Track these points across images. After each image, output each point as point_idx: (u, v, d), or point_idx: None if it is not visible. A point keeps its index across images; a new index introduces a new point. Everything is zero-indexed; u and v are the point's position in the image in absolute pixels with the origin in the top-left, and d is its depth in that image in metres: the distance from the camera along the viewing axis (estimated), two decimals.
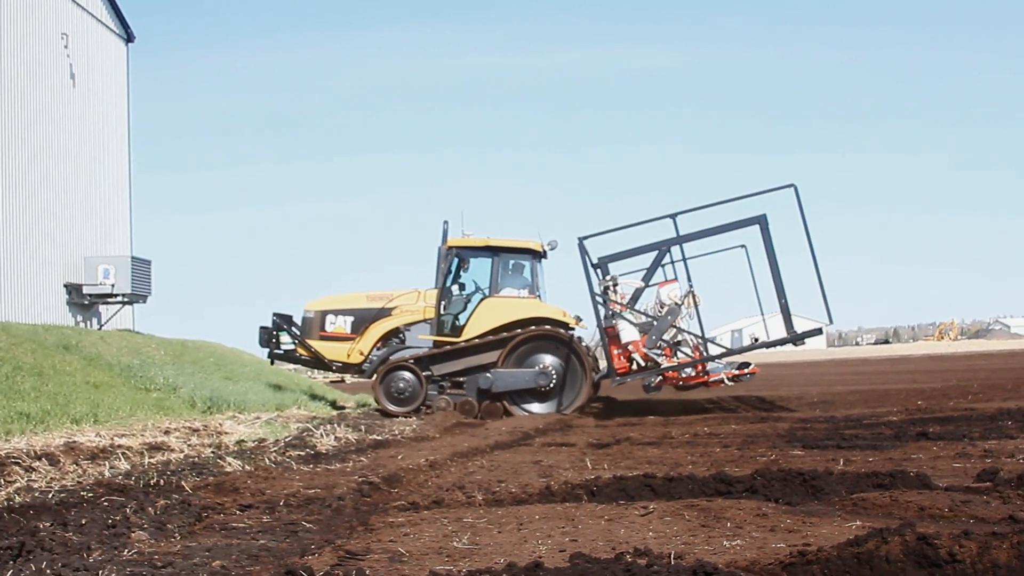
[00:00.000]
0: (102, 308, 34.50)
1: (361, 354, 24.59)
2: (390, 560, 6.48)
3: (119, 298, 33.64)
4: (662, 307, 22.79)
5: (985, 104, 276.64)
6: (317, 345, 24.73)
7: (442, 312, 24.46)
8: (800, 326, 22.72)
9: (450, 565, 6.22)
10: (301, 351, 25.09)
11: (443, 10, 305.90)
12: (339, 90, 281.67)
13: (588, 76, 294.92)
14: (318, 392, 30.25)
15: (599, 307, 22.79)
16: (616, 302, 23.02)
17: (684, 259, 24.00)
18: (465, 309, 24.75)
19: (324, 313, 24.94)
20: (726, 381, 22.74)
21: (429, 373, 24.07)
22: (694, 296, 23.37)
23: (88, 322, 33.47)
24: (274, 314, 25.40)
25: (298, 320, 25.34)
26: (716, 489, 8.84)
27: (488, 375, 23.66)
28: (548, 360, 23.88)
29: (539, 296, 24.65)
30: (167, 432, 16.39)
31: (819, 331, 22.57)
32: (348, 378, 25.46)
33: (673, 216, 22.91)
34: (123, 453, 12.99)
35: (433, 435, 17.30)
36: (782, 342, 22.81)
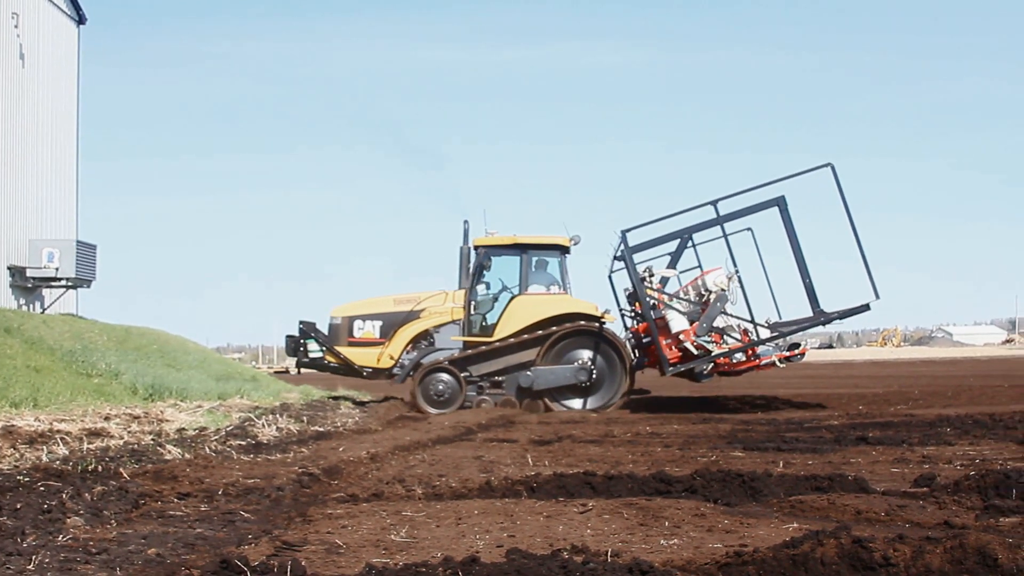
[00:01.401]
0: (45, 292, 34.27)
1: (391, 358, 24.36)
2: (327, 551, 6.46)
3: (63, 282, 33.43)
4: (708, 294, 22.84)
5: (929, 109, 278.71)
6: (346, 351, 24.49)
7: (472, 312, 24.37)
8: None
9: (387, 558, 6.20)
10: (330, 358, 24.81)
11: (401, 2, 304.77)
12: (295, 79, 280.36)
13: (546, 72, 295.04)
14: (262, 382, 30.12)
15: (646, 299, 22.82)
16: (653, 291, 23.09)
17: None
18: (494, 308, 24.66)
19: (351, 319, 24.68)
20: (777, 363, 22.87)
21: (467, 374, 23.96)
22: (740, 280, 23.54)
23: (31, 305, 33.23)
24: (300, 322, 25.15)
25: (322, 327, 25.12)
26: (655, 488, 8.86)
27: (528, 373, 23.56)
28: (586, 355, 23.79)
29: (568, 291, 24.64)
30: (107, 418, 16.28)
31: (867, 307, 22.48)
32: (379, 380, 25.27)
33: (715, 203, 22.89)
34: (62, 438, 12.88)
35: (375, 428, 17.28)
36: (829, 320, 22.87)
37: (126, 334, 30.58)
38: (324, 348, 24.74)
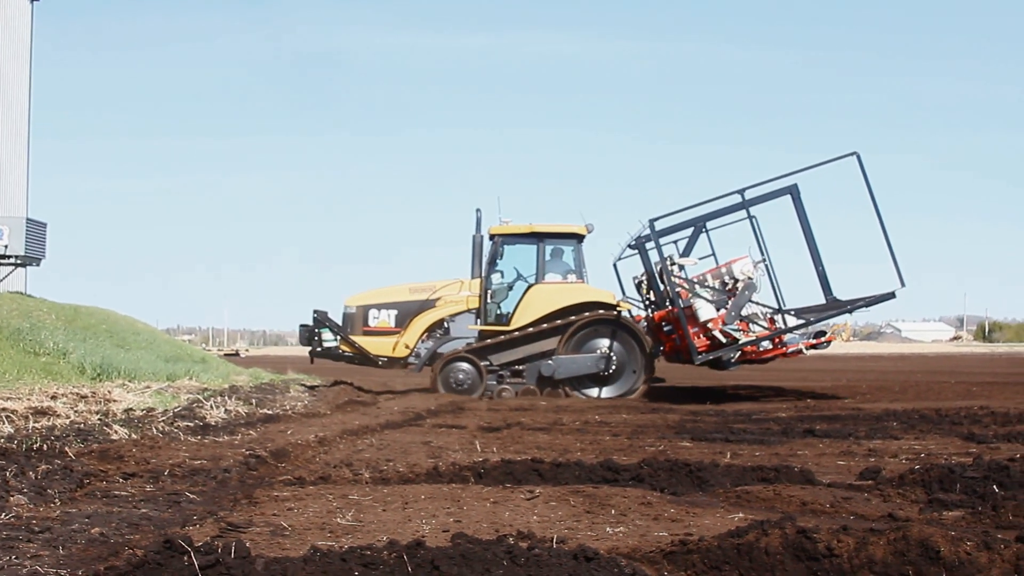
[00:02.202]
0: None
1: (407, 347, 24.43)
2: (272, 534, 6.44)
3: (12, 260, 33.17)
4: (735, 282, 22.97)
5: (880, 106, 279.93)
6: (361, 341, 24.49)
7: (488, 301, 24.42)
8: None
9: (332, 541, 6.19)
10: (344, 348, 24.82)
11: None
12: (251, 62, 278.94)
13: (498, 61, 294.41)
14: (211, 364, 30.00)
15: (674, 287, 22.95)
16: (681, 279, 23.18)
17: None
18: (509, 297, 24.73)
19: (367, 308, 24.70)
20: (804, 351, 23.12)
21: (488, 363, 24.01)
22: (767, 268, 23.68)
23: None
24: (315, 311, 25.10)
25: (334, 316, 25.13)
26: (603, 476, 8.88)
27: (550, 362, 23.72)
28: (606, 344, 23.91)
29: (585, 280, 24.67)
30: (54, 397, 16.18)
31: (893, 295, 22.67)
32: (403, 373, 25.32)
33: (741, 191, 23.02)
34: (7, 417, 12.79)
35: (324, 412, 17.23)
36: (855, 308, 23.00)
37: (75, 313, 30.39)
38: (339, 337, 24.73)
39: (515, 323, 24.10)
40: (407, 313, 24.49)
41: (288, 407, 17.61)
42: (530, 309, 24.06)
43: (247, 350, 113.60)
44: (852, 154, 22.35)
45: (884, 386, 27.47)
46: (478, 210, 24.54)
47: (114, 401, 16.50)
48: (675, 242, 25.14)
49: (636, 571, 5.13)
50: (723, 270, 23.73)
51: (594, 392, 23.73)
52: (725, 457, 10.70)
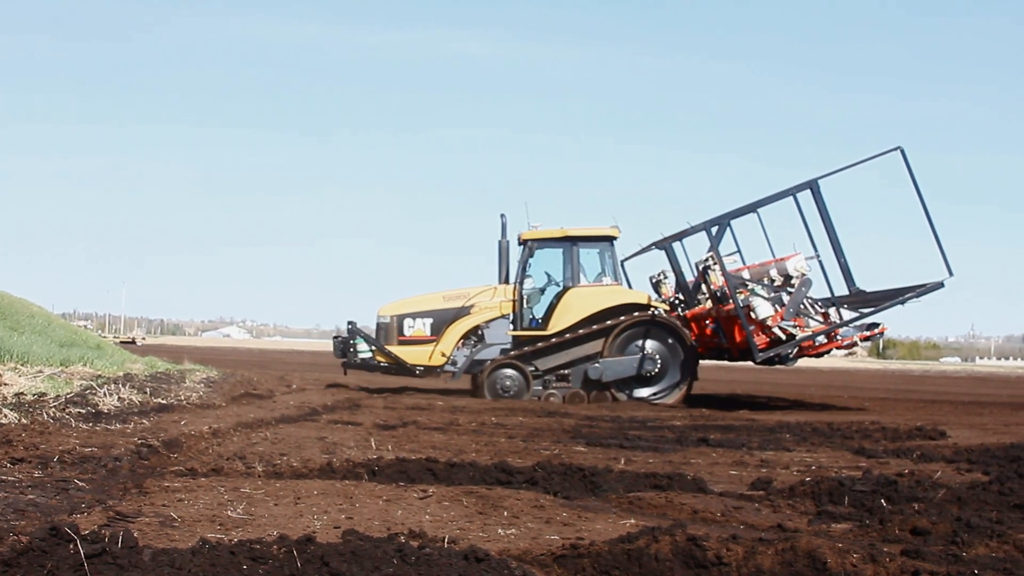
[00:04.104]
0: None
1: (443, 355, 24.53)
2: (161, 524, 6.37)
3: None
4: (790, 280, 23.22)
5: (816, 120, 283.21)
6: (397, 350, 24.54)
7: (524, 306, 24.47)
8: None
9: (222, 533, 6.13)
10: (380, 358, 24.80)
11: None
12: (155, 44, 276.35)
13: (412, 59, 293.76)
14: (107, 351, 29.61)
15: (734, 286, 23.18)
16: (728, 277, 23.29)
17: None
18: (542, 301, 24.87)
19: (401, 317, 24.76)
20: (858, 343, 23.56)
21: (533, 368, 24.02)
22: (820, 263, 24.11)
23: None
24: (349, 322, 25.31)
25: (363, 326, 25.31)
26: (497, 478, 8.89)
27: (597, 365, 23.82)
28: (649, 345, 24.01)
29: (620, 282, 24.87)
30: None
31: (942, 284, 22.97)
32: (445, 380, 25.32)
33: (813, 184, 23.35)
34: None
35: (220, 404, 17.09)
36: (906, 299, 23.13)
37: None
38: (373, 348, 24.66)
39: (552, 327, 24.30)
40: (442, 321, 24.62)
41: (183, 397, 17.42)
42: (568, 313, 24.25)
43: (144, 338, 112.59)
44: (896, 149, 22.88)
45: (779, 397, 27.80)
46: (503, 215, 24.76)
47: (5, 385, 16.21)
48: (675, 242, 25.58)
49: (526, 573, 5.14)
50: (771, 267, 24.10)
51: (644, 393, 24.03)
52: (619, 463, 10.74)
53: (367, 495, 7.82)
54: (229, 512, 6.89)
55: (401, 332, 24.61)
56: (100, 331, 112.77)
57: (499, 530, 6.61)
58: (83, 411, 13.18)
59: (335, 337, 25.51)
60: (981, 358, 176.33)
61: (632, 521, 7.07)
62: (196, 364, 30.56)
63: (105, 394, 15.53)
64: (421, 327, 24.59)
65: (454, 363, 24.58)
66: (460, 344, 24.63)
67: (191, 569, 4.88)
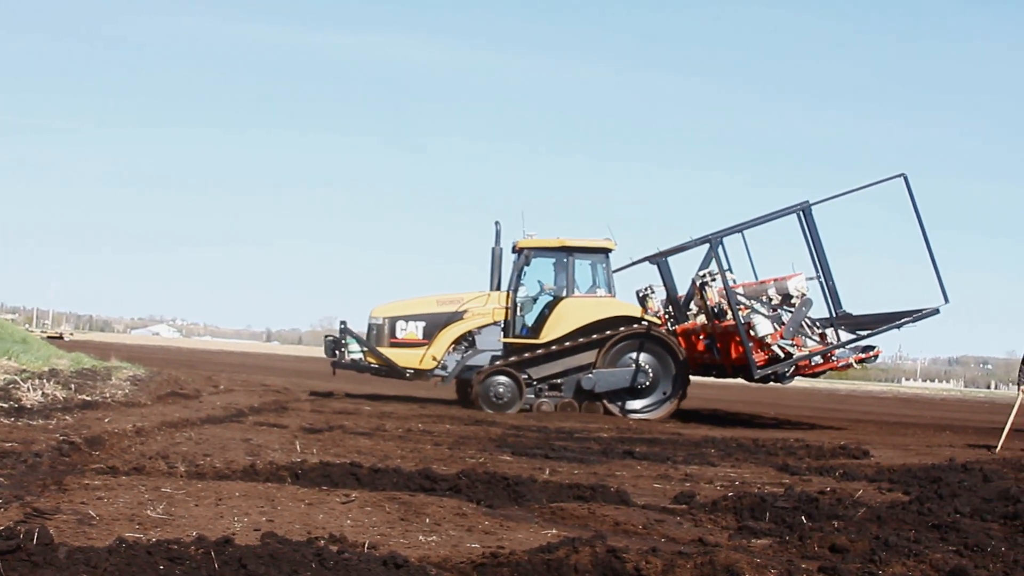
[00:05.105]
0: None
1: (434, 359, 24.36)
2: (78, 522, 6.31)
3: None
4: (789, 299, 23.39)
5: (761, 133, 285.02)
6: (388, 352, 24.37)
7: (517, 314, 24.45)
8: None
9: (140, 533, 6.09)
10: (371, 359, 24.67)
11: None
12: (94, 35, 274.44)
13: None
14: (33, 345, 29.33)
15: (735, 302, 23.14)
16: (730, 293, 23.30)
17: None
18: (534, 310, 24.86)
19: (394, 320, 24.59)
20: (854, 364, 23.87)
21: (526, 376, 23.94)
22: (821, 284, 24.44)
23: None
24: (341, 323, 25.09)
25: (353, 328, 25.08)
26: (420, 485, 8.88)
27: (590, 376, 23.82)
28: (642, 357, 24.05)
29: (613, 294, 24.83)
30: None
31: (937, 311, 23.26)
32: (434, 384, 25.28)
33: (805, 207, 23.70)
34: None
35: (145, 402, 16.96)
36: (901, 323, 23.23)
37: None
38: (365, 349, 24.56)
39: (545, 336, 24.29)
40: (435, 325, 24.51)
41: (108, 395, 17.27)
42: (562, 322, 24.25)
43: (72, 334, 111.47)
44: (900, 175, 23.14)
45: (706, 412, 27.95)
46: (497, 223, 24.66)
47: None
48: (658, 263, 25.74)
49: None
50: (770, 286, 24.29)
51: (633, 405, 24.11)
52: (543, 473, 10.75)
53: (289, 498, 7.79)
54: (149, 512, 6.85)
55: (393, 334, 24.55)
56: (27, 325, 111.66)
57: (420, 537, 6.61)
58: (5, 406, 13.03)
59: (326, 337, 25.50)
60: (907, 379, 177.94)
61: (554, 531, 7.09)
62: (123, 361, 30.32)
63: (28, 389, 15.36)
64: (413, 330, 24.51)
65: (444, 367, 24.55)
66: (451, 349, 24.60)
67: (107, 568, 4.84)
